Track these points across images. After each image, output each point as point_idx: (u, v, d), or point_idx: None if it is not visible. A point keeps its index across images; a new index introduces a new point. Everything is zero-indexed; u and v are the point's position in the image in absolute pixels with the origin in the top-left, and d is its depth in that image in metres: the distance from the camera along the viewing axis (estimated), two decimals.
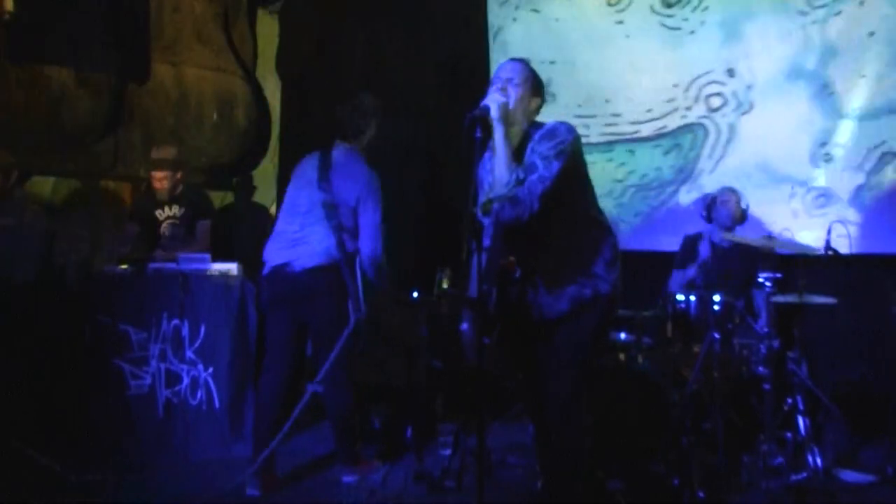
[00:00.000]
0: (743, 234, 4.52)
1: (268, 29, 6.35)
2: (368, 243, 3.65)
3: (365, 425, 3.92)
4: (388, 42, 6.00)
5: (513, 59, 3.03)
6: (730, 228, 4.42)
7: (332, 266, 3.60)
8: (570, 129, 2.86)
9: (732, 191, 4.46)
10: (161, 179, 4.59)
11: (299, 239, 3.63)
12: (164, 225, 4.66)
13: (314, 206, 3.64)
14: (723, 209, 4.43)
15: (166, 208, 4.67)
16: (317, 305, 3.61)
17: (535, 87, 2.96)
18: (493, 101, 2.79)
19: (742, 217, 4.44)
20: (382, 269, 3.70)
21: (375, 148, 3.86)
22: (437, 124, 5.63)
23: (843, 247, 3.94)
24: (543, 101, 2.98)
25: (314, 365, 3.77)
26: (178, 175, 4.62)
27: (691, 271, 4.33)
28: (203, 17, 5.66)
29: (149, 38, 5.25)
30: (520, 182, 2.76)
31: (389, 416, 4.50)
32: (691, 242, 4.57)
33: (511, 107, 2.83)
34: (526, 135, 2.90)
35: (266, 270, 3.71)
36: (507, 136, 2.78)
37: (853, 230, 4.33)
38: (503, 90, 2.85)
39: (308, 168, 3.77)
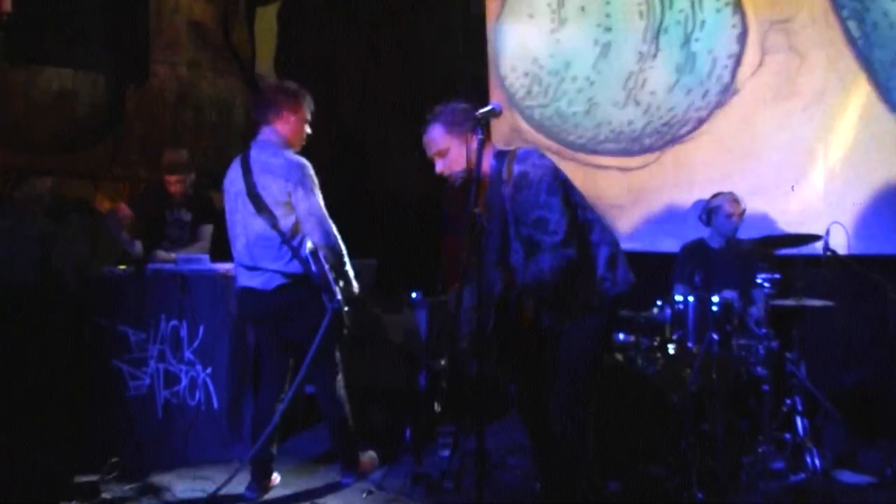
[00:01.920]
0: (740, 236, 4.52)
1: (267, 29, 6.35)
2: (315, 232, 3.42)
3: (363, 426, 3.92)
4: (387, 42, 6.00)
5: (424, 131, 3.01)
6: (731, 237, 4.41)
7: (293, 282, 3.46)
8: (538, 164, 2.85)
9: (737, 200, 4.43)
10: (176, 183, 4.59)
11: (253, 265, 3.51)
12: (170, 226, 4.67)
13: (252, 218, 3.45)
14: (727, 221, 4.39)
15: (175, 210, 4.67)
16: (290, 322, 3.54)
17: (456, 126, 2.93)
18: (455, 175, 2.92)
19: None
20: (340, 253, 3.51)
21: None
22: None
23: (841, 248, 3.95)
24: (476, 121, 2.82)
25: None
26: (192, 177, 4.63)
27: (697, 282, 4.27)
28: (202, 18, 5.66)
29: (148, 39, 5.24)
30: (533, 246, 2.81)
31: (388, 417, 4.50)
32: (692, 251, 4.54)
33: (459, 167, 2.91)
34: (497, 159, 2.90)
35: (236, 288, 3.67)
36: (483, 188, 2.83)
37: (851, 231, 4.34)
38: (442, 160, 2.94)
39: (233, 180, 3.55)
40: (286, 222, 3.43)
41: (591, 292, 2.89)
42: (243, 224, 3.50)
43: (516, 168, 2.83)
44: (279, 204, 3.42)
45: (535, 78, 5.42)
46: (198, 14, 5.63)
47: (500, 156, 2.93)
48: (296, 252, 3.42)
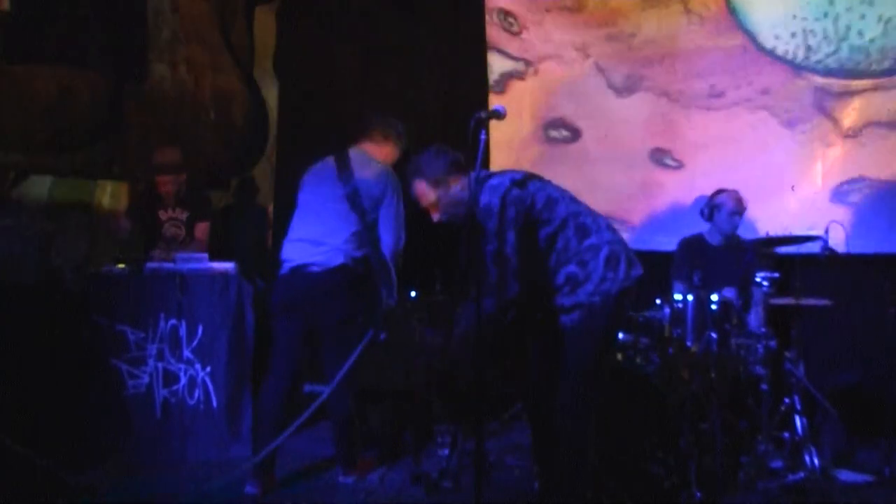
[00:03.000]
0: (739, 234, 4.53)
1: (266, 28, 6.34)
2: (391, 233, 3.72)
3: (363, 426, 3.92)
4: (385, 41, 6.00)
5: (409, 188, 3.11)
6: (730, 234, 4.42)
7: (351, 268, 3.64)
8: (502, 194, 2.87)
9: (740, 199, 4.44)
10: (166, 184, 4.58)
11: (320, 240, 3.65)
12: (165, 225, 4.66)
13: (337, 201, 3.68)
14: (729, 220, 4.41)
15: (169, 210, 4.67)
16: (331, 305, 3.63)
17: (436, 175, 3.02)
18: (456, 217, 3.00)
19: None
20: (399, 262, 3.76)
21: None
22: (435, 121, 5.63)
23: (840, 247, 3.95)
24: (449, 162, 3.01)
25: (315, 365, 3.78)
26: (182, 177, 4.62)
27: (696, 280, 4.28)
28: (200, 17, 5.65)
29: (146, 38, 5.24)
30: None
31: (387, 417, 4.50)
32: (690, 247, 4.55)
33: (455, 209, 3.00)
34: (477, 184, 2.91)
35: (284, 270, 3.72)
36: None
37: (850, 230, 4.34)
38: (437, 211, 3.04)
39: (324, 167, 3.82)
40: (371, 215, 3.68)
41: (593, 293, 2.90)
42: (325, 203, 3.70)
43: (483, 199, 2.88)
44: (371, 198, 3.69)
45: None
46: (196, 13, 5.62)
47: (478, 183, 2.95)
48: (371, 234, 3.67)
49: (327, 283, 3.61)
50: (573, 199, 3.04)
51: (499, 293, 2.81)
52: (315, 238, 3.67)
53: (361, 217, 3.66)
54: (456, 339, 2.99)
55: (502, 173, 3.01)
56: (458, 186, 3.00)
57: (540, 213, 2.92)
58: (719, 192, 4.50)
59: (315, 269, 3.63)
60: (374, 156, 3.83)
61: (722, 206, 4.43)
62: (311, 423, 4.27)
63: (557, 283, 2.95)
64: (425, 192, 3.04)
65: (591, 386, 2.95)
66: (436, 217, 3.07)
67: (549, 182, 3.04)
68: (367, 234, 3.67)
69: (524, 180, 2.96)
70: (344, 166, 3.74)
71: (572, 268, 2.92)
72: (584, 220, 2.97)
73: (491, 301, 2.81)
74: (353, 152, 3.82)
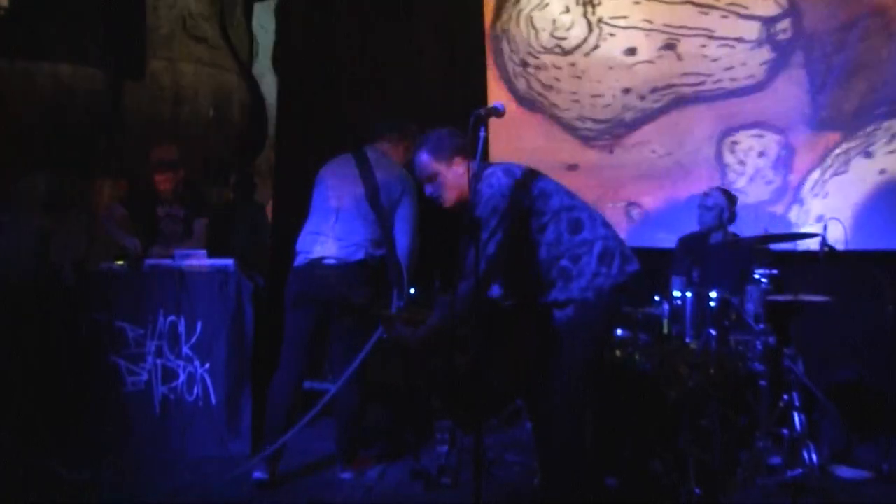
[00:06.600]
0: (736, 232, 4.54)
1: (265, 24, 6.34)
2: (406, 236, 3.76)
3: (363, 423, 3.93)
4: (386, 38, 5.99)
5: (416, 160, 3.08)
6: (712, 231, 4.45)
7: (370, 264, 3.67)
8: (494, 183, 2.86)
9: (708, 194, 4.49)
10: (165, 181, 4.57)
11: (340, 237, 3.69)
12: (163, 222, 4.65)
13: (358, 200, 3.71)
14: (700, 213, 4.48)
15: (167, 206, 4.66)
16: (347, 299, 3.65)
17: (440, 152, 3.00)
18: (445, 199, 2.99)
19: (731, 217, 4.47)
20: (414, 264, 3.78)
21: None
22: (434, 120, 5.62)
23: (838, 243, 3.95)
24: (457, 145, 2.97)
25: (315, 362, 3.78)
26: (180, 174, 4.61)
27: (695, 277, 4.28)
28: (199, 13, 5.65)
29: (144, 34, 5.24)
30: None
31: (387, 413, 4.50)
32: (689, 244, 4.56)
33: (448, 191, 2.98)
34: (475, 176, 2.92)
35: (299, 262, 3.73)
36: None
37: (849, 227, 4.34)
38: (434, 186, 3.01)
39: (343, 165, 3.84)
40: (389, 216, 3.74)
41: (587, 288, 2.89)
42: (346, 201, 3.74)
43: (478, 187, 2.88)
44: (390, 200, 3.74)
45: None
46: (195, 9, 5.62)
47: (476, 174, 2.95)
48: (387, 234, 3.71)
49: (345, 276, 3.64)
50: (568, 194, 3.02)
51: (470, 278, 2.79)
52: (335, 235, 3.70)
53: (380, 217, 3.70)
54: (430, 325, 2.98)
55: (497, 164, 3.01)
56: (459, 169, 2.99)
57: (532, 204, 2.91)
58: (704, 195, 4.55)
59: (332, 261, 3.66)
60: (390, 156, 3.86)
61: (700, 206, 4.51)
62: (310, 420, 4.30)
63: (550, 278, 2.94)
64: (427, 164, 3.03)
65: (585, 382, 2.94)
66: (428, 191, 3.06)
67: (545, 175, 3.03)
68: (384, 234, 3.71)
69: (516, 170, 2.96)
70: (364, 166, 3.77)
71: (564, 262, 2.92)
72: (578, 215, 2.96)
73: (465, 285, 2.79)
74: (371, 152, 3.84)
